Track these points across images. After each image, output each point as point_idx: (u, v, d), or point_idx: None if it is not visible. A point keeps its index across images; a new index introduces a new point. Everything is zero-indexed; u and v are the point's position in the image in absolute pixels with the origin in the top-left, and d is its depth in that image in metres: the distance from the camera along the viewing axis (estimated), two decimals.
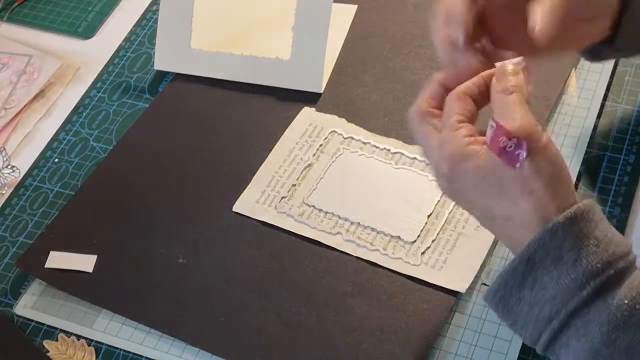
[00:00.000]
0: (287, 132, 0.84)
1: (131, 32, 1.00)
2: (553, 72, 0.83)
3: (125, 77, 0.95)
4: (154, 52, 0.94)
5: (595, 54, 0.70)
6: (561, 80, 0.83)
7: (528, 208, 0.57)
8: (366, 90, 0.87)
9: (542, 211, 0.56)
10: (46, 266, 0.78)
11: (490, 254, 0.74)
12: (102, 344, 0.74)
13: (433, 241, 0.75)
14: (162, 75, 0.94)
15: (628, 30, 0.67)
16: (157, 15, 0.93)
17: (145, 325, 0.74)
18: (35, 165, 0.89)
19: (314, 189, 0.79)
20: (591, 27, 0.67)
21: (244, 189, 0.81)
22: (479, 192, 0.59)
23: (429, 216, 0.76)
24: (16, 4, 1.06)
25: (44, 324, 0.76)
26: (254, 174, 0.81)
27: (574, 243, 0.55)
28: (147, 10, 1.02)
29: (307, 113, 0.86)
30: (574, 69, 0.84)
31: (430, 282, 0.72)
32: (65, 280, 0.77)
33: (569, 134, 0.80)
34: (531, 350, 0.67)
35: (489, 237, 0.73)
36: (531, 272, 0.56)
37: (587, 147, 0.79)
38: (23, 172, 0.89)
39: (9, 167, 0.88)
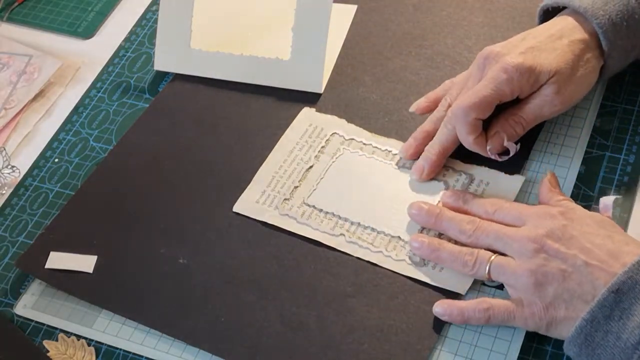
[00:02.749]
0: (287, 132, 0.84)
1: (131, 32, 1.00)
2: None
3: (125, 77, 0.95)
4: (154, 52, 0.94)
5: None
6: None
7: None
8: (366, 90, 0.87)
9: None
10: (46, 266, 0.78)
11: None
12: (102, 344, 0.74)
13: None
14: (162, 75, 0.94)
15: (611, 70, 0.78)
16: (157, 15, 0.93)
17: (145, 325, 0.74)
18: (35, 165, 0.89)
19: (314, 190, 0.79)
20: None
21: (244, 189, 0.81)
22: (593, 230, 0.66)
23: None
24: (16, 4, 1.06)
25: (44, 324, 0.76)
26: (254, 174, 0.81)
27: None
28: (147, 10, 1.02)
29: (307, 113, 0.86)
30: None
31: (431, 283, 0.72)
32: (65, 280, 0.77)
33: (569, 134, 0.80)
34: (531, 350, 0.67)
35: None
36: (619, 303, 0.60)
37: (587, 147, 0.79)
38: (23, 172, 0.89)
39: (9, 167, 0.88)
